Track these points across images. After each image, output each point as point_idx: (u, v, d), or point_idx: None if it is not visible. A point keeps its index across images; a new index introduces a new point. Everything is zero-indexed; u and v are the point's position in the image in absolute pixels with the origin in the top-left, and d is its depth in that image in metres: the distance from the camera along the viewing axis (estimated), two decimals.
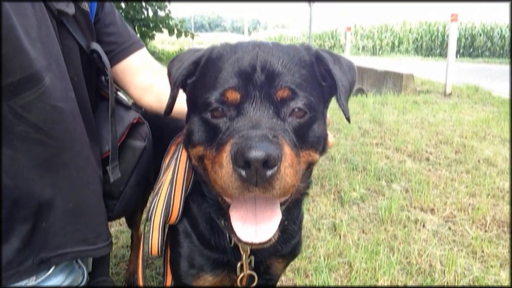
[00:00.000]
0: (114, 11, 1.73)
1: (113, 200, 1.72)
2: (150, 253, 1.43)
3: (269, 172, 0.93)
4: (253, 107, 1.08)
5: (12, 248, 1.32)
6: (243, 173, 0.93)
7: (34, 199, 1.34)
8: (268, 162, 0.92)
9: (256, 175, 0.92)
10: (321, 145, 1.22)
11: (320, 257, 2.77)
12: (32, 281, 1.37)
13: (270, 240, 1.08)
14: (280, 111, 1.10)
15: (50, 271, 1.41)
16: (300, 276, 2.59)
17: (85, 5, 1.55)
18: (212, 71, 1.18)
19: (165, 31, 12.29)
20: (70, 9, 1.47)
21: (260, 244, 1.07)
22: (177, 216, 1.44)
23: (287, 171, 0.97)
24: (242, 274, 1.42)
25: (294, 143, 1.07)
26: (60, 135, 1.35)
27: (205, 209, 1.41)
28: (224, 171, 0.97)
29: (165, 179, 1.46)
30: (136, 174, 1.77)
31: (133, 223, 2.60)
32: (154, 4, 10.29)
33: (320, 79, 1.25)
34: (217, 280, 1.44)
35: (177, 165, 1.44)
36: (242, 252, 1.39)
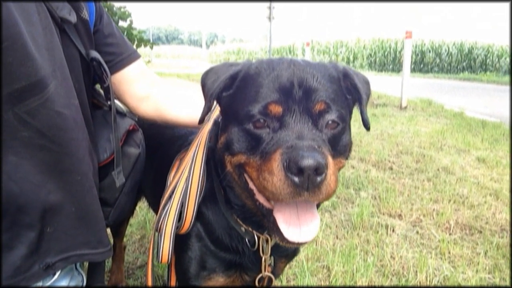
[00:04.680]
0: (112, 22, 1.76)
1: (108, 207, 1.73)
2: (160, 261, 1.44)
3: (319, 178, 1.03)
4: (293, 119, 1.16)
5: (20, 254, 1.31)
6: (296, 179, 1.02)
7: (39, 204, 1.33)
8: (318, 170, 1.01)
9: (308, 181, 1.02)
10: (347, 153, 1.32)
11: (299, 262, 2.86)
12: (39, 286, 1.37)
13: (312, 239, 1.17)
14: (317, 123, 1.19)
15: (56, 276, 1.41)
16: (282, 281, 2.67)
17: (85, 14, 1.58)
18: (252, 85, 1.25)
19: None
20: (72, 17, 1.49)
21: (304, 242, 1.16)
22: (190, 225, 1.46)
23: (332, 177, 1.07)
24: (260, 275, 1.49)
25: (331, 152, 1.16)
26: (63, 141, 1.36)
27: (222, 215, 1.47)
28: (276, 178, 1.05)
29: (177, 189, 1.49)
30: (130, 181, 1.79)
31: (118, 233, 2.59)
32: (116, 13, 10.10)
33: (346, 93, 1.35)
34: (229, 281, 1.49)
35: (190, 176, 1.46)
36: (262, 255, 1.46)
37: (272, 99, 1.18)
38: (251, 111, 1.19)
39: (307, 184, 1.02)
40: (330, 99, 1.21)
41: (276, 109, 1.17)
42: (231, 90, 1.34)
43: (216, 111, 1.57)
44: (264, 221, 1.29)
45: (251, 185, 1.25)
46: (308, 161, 1.00)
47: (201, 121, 1.42)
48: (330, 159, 1.09)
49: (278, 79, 1.22)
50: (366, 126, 1.41)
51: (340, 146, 1.26)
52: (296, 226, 1.17)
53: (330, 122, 1.21)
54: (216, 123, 1.50)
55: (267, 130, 1.18)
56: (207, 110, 1.37)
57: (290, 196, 1.05)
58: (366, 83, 1.42)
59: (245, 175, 1.26)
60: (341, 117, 1.23)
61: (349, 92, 1.36)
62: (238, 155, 1.24)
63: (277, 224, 1.17)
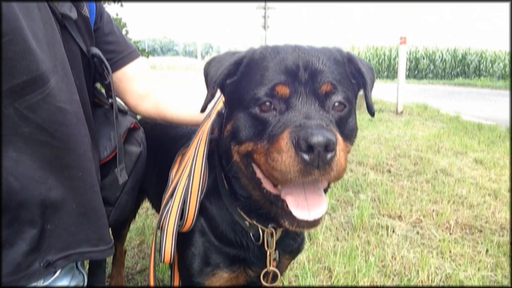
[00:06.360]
0: (112, 21, 1.76)
1: (109, 206, 1.71)
2: (162, 260, 1.43)
3: (329, 155, 1.01)
4: (300, 101, 1.15)
5: (20, 251, 1.30)
6: (306, 157, 1.01)
7: (40, 200, 1.32)
8: (328, 146, 1.00)
9: (318, 158, 1.00)
10: (353, 138, 1.31)
11: (300, 264, 2.84)
12: (40, 284, 1.35)
13: (321, 218, 1.15)
14: (324, 105, 1.19)
15: (57, 273, 1.39)
16: (284, 283, 2.65)
17: (86, 11, 1.58)
18: (257, 70, 1.24)
19: None
20: (73, 13, 1.49)
21: (314, 221, 1.14)
22: (191, 223, 1.45)
23: (341, 154, 1.05)
24: (265, 270, 1.47)
25: (338, 132, 1.15)
26: (64, 137, 1.35)
27: (226, 209, 1.46)
28: (286, 155, 1.03)
29: (178, 187, 1.47)
30: (131, 180, 1.76)
31: (120, 237, 2.55)
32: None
33: (351, 77, 1.35)
34: (233, 276, 1.47)
35: (192, 173, 1.44)
36: (266, 249, 1.44)
37: (278, 80, 1.18)
38: (257, 94, 1.18)
39: (318, 161, 1.00)
40: (336, 80, 1.21)
41: (283, 90, 1.17)
42: (236, 77, 1.33)
43: (219, 104, 1.56)
44: (272, 209, 1.27)
45: (258, 174, 1.24)
46: (318, 138, 0.99)
47: (203, 109, 1.40)
48: (339, 136, 1.08)
49: (283, 62, 1.21)
50: (371, 111, 1.41)
51: (347, 130, 1.25)
52: (305, 206, 1.15)
53: (336, 103, 1.20)
54: (220, 114, 1.49)
55: (274, 113, 1.17)
56: (210, 97, 1.35)
57: (300, 175, 1.02)
58: (371, 69, 1.42)
59: (253, 165, 1.25)
60: (348, 99, 1.23)
61: (354, 77, 1.36)
62: (245, 143, 1.22)
63: (286, 206, 1.16)
